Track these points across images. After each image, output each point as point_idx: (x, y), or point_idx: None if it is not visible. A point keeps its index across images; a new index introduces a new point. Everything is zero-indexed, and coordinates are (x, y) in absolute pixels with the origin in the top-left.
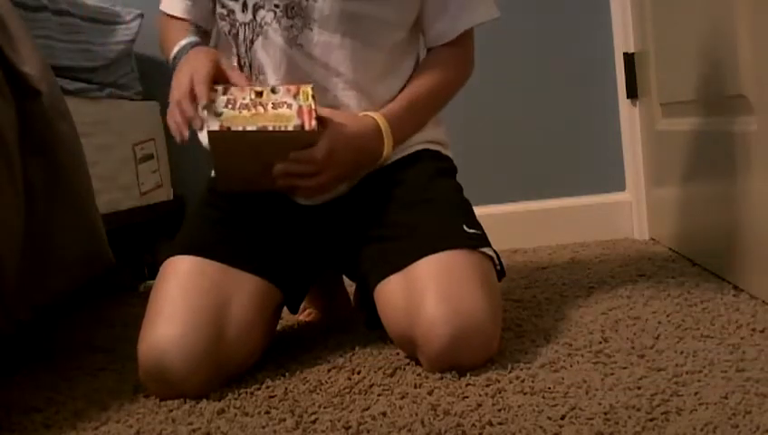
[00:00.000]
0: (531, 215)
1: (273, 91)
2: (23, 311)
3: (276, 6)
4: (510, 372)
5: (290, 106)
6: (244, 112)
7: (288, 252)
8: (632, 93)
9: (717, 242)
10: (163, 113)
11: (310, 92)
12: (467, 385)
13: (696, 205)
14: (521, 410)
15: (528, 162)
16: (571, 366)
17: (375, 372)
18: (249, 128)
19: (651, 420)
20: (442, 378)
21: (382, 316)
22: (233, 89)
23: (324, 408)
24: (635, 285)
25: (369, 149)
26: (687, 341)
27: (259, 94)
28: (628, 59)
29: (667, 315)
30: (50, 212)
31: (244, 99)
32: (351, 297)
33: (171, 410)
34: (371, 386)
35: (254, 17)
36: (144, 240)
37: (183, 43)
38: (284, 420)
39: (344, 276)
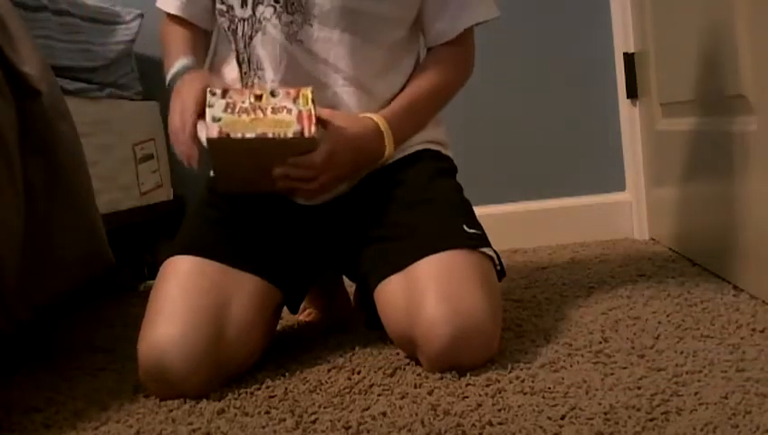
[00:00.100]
0: (531, 215)
1: (273, 94)
2: (23, 311)
3: (276, 2)
4: (510, 372)
5: (289, 111)
6: (244, 117)
7: (288, 252)
8: (632, 93)
9: (717, 242)
10: (163, 113)
11: (309, 96)
12: (467, 385)
13: (696, 205)
14: (521, 410)
15: (528, 162)
16: (571, 366)
17: (375, 372)
18: (248, 135)
19: (651, 420)
20: (442, 378)
21: (382, 316)
22: (231, 92)
23: (324, 408)
24: (635, 285)
25: (370, 151)
26: (687, 341)
27: (258, 98)
28: (628, 59)
29: (667, 315)
30: (50, 212)
31: (243, 102)
32: (351, 297)
33: (171, 410)
34: (371, 386)
35: (254, 13)
36: (144, 240)
37: (175, 69)
38: (284, 420)
39: (344, 276)
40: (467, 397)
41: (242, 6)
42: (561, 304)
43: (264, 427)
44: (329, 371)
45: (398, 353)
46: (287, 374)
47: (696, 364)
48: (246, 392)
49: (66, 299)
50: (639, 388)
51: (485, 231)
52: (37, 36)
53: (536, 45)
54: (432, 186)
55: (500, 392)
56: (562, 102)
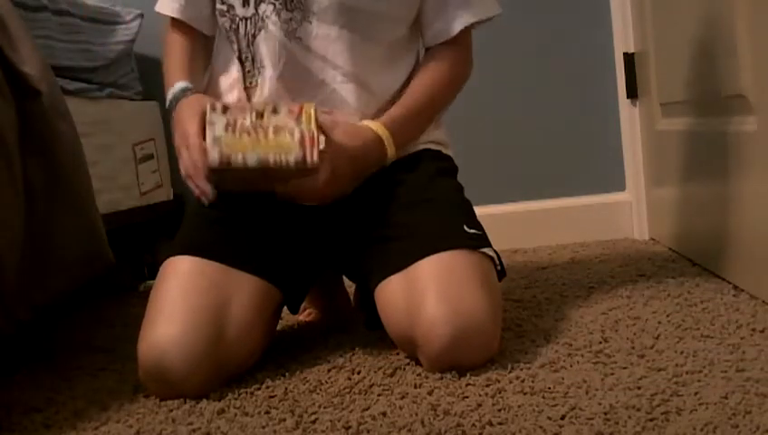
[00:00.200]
0: (531, 215)
1: (275, 111)
2: (23, 311)
3: None
4: (510, 372)
5: (291, 132)
6: (245, 138)
7: (288, 252)
8: (632, 93)
9: (717, 242)
10: (163, 113)
11: (312, 115)
12: (467, 385)
13: (696, 205)
14: (521, 410)
15: (528, 162)
16: (571, 366)
17: (375, 372)
18: (250, 162)
19: (651, 420)
20: (442, 378)
21: (382, 316)
22: (232, 108)
23: (324, 408)
24: (635, 285)
25: (371, 161)
26: (687, 341)
27: (260, 115)
28: (628, 59)
29: (667, 315)
30: (50, 212)
31: (244, 120)
32: (351, 297)
33: (171, 410)
34: (371, 386)
35: (257, 11)
36: (144, 240)
37: (173, 93)
38: (284, 420)
39: (344, 276)
40: (467, 397)
41: (243, 6)
42: (561, 304)
43: (264, 427)
44: (329, 371)
45: (398, 353)
46: (287, 374)
47: (696, 364)
48: (246, 392)
49: (66, 299)
50: (639, 388)
51: (485, 231)
52: (37, 36)
53: (536, 45)
54: (432, 186)
55: (500, 392)
56: (562, 102)
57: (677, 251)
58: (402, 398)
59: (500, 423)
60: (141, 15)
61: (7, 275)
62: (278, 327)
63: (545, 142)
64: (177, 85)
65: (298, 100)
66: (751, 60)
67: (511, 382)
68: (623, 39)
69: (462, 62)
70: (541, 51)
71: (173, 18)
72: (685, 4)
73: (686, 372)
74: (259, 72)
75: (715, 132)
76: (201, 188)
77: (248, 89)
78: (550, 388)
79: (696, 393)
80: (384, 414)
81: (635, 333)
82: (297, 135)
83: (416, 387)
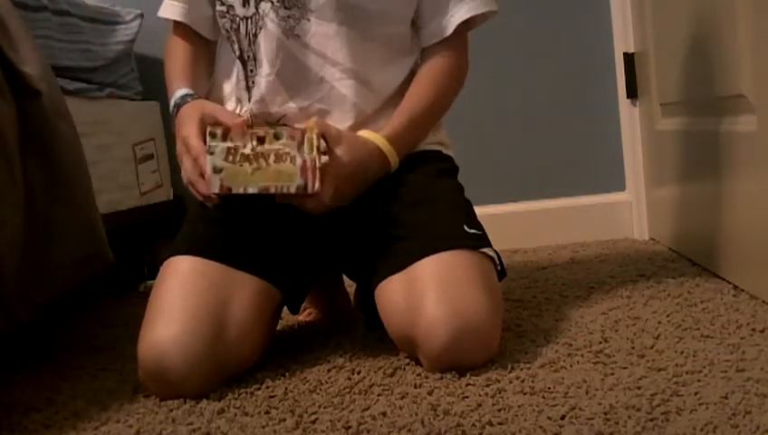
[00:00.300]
0: (531, 215)
1: (276, 136)
2: (23, 311)
3: None
4: (510, 372)
5: (293, 159)
6: (245, 166)
7: (288, 252)
8: (632, 93)
9: (717, 242)
10: (163, 113)
11: (314, 140)
12: (467, 385)
13: (696, 205)
14: (521, 410)
15: (528, 162)
16: (571, 366)
17: (375, 372)
18: (250, 190)
19: (651, 420)
20: (442, 378)
21: (383, 316)
22: (233, 133)
23: (324, 408)
24: (635, 285)
25: (373, 174)
26: (687, 341)
27: (261, 141)
28: (628, 59)
29: (667, 315)
30: (50, 212)
31: (244, 148)
32: (351, 298)
33: (171, 410)
34: (371, 386)
35: (257, 10)
36: (144, 240)
37: (173, 101)
38: (284, 420)
39: (344, 276)
40: (467, 397)
41: (243, 5)
42: (561, 304)
43: (264, 427)
44: (329, 371)
45: (398, 353)
46: (287, 374)
47: (696, 364)
48: (246, 392)
49: (66, 299)
50: (639, 388)
51: (486, 231)
52: (37, 36)
53: (536, 45)
54: (433, 186)
55: (500, 392)
56: (562, 102)
57: (677, 251)
58: (402, 398)
59: (500, 423)
60: (141, 15)
61: (7, 274)
62: (278, 327)
63: (545, 142)
64: (177, 93)
65: (295, 97)
66: (751, 60)
67: (511, 382)
68: (623, 39)
69: (459, 65)
70: (541, 51)
71: (175, 24)
72: (685, 4)
73: (686, 372)
74: (257, 72)
75: (715, 132)
76: (207, 193)
77: (250, 89)
78: (550, 388)
79: (696, 393)
80: (384, 414)
81: (635, 333)
82: (299, 162)
83: (416, 387)
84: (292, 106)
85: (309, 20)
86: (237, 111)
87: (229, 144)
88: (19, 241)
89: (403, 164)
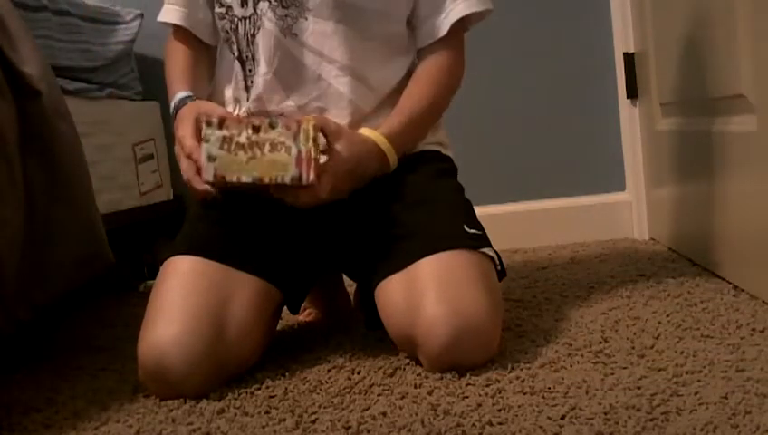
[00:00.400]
0: (531, 215)
1: (272, 125)
2: (23, 311)
3: None
4: (510, 372)
5: (288, 150)
6: (240, 155)
7: (288, 252)
8: (632, 93)
9: (717, 242)
10: (163, 113)
11: (311, 132)
12: (467, 385)
13: (696, 205)
14: (521, 410)
15: (528, 162)
16: (571, 366)
17: (375, 372)
18: (244, 179)
19: (651, 420)
20: (442, 378)
21: (383, 316)
22: (228, 121)
23: (324, 408)
24: (635, 285)
25: (372, 171)
26: (687, 341)
27: (256, 130)
28: (628, 59)
29: (667, 315)
30: (50, 212)
31: (239, 136)
32: (351, 298)
33: (171, 410)
34: (371, 386)
35: (255, 10)
36: (144, 240)
37: (173, 104)
38: (284, 420)
39: (344, 276)
40: (467, 397)
41: (242, 6)
42: (561, 304)
43: (264, 427)
44: (329, 371)
45: (398, 353)
46: (287, 374)
47: (696, 364)
48: (246, 392)
49: (66, 299)
50: (639, 388)
51: (486, 231)
52: (37, 36)
53: (536, 45)
54: (433, 186)
55: (500, 392)
56: (562, 102)
57: (677, 251)
58: (402, 398)
59: (500, 423)
60: (141, 15)
61: (7, 274)
62: (278, 327)
63: (545, 142)
64: (177, 95)
65: (293, 95)
66: (751, 60)
67: (511, 382)
68: (623, 39)
69: (455, 64)
70: (541, 51)
71: (175, 28)
72: (685, 4)
73: (686, 372)
74: (255, 71)
75: (716, 132)
76: (204, 190)
77: (249, 89)
78: (550, 388)
79: (696, 393)
80: (384, 414)
81: (635, 333)
82: (294, 152)
83: (416, 387)
84: (289, 104)
85: (306, 18)
86: (235, 112)
87: (224, 133)
88: (19, 241)
89: (403, 164)
